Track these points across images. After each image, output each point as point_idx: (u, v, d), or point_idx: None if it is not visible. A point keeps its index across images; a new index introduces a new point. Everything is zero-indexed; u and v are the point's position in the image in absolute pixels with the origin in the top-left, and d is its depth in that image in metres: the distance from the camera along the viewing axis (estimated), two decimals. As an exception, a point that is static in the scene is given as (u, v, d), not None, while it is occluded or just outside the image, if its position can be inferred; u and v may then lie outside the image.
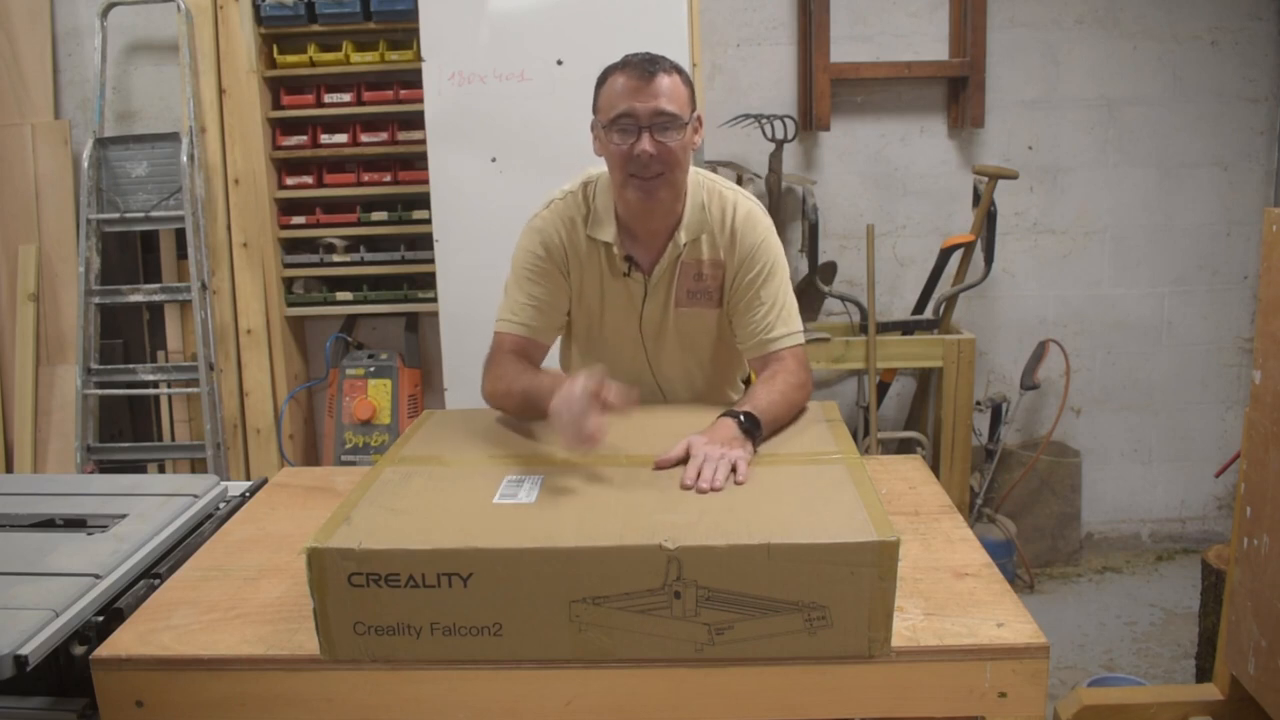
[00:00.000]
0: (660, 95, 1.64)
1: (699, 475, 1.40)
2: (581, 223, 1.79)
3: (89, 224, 3.24)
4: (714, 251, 1.80)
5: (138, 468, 3.38)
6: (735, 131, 3.35)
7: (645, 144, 1.64)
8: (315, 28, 3.23)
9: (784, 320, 1.79)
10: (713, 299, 1.83)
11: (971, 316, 3.58)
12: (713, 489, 1.38)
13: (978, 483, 3.44)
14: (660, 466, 1.47)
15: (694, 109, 1.71)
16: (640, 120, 1.64)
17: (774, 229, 1.83)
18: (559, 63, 2.82)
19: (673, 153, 1.67)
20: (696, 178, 1.80)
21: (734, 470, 1.43)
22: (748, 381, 2.07)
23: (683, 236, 1.77)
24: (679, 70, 1.70)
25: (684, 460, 1.47)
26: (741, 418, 1.56)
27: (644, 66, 1.65)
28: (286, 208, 3.36)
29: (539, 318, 1.82)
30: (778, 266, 1.81)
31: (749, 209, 1.81)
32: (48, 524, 1.65)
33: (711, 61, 3.44)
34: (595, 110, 1.72)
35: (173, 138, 3.26)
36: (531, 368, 1.78)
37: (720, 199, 1.80)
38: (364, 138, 3.28)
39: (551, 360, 1.99)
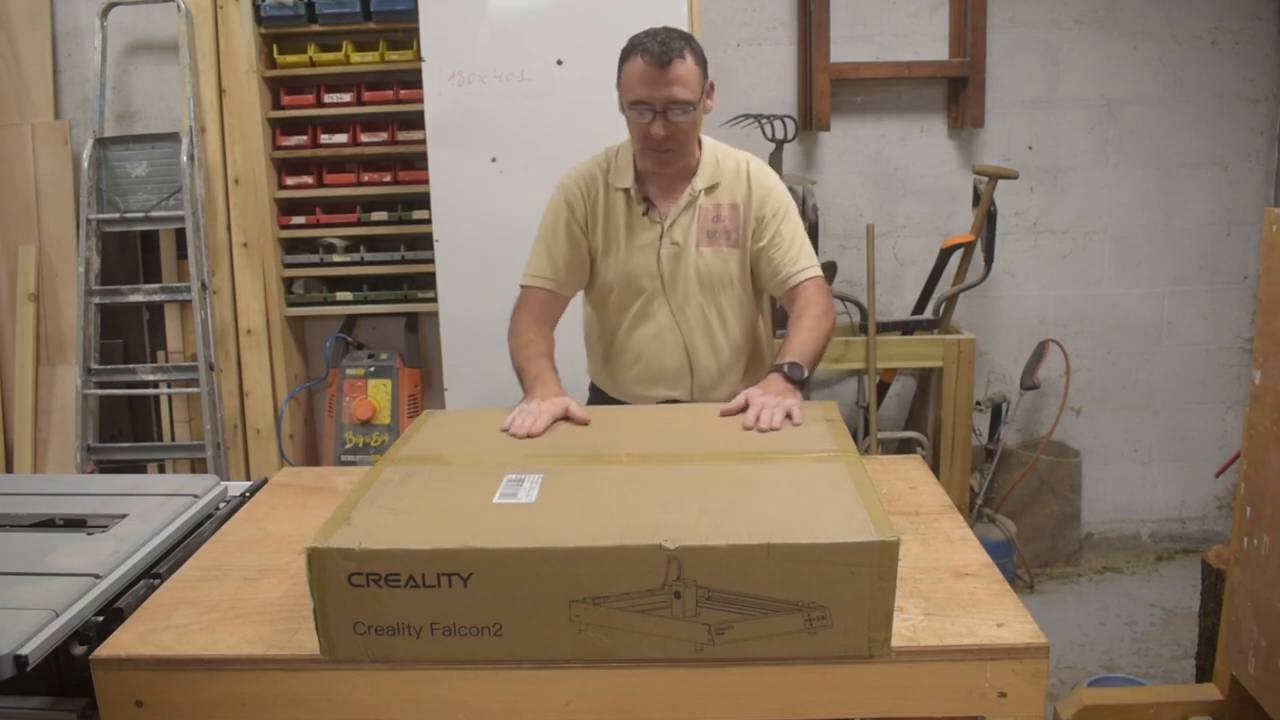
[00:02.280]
0: (674, 84, 1.82)
1: (758, 419, 1.62)
2: (602, 175, 2.02)
3: (89, 224, 3.24)
4: (731, 196, 2.00)
5: (138, 468, 3.38)
6: (735, 131, 3.35)
7: (659, 127, 1.85)
8: (315, 28, 3.23)
9: (805, 254, 2.00)
10: (732, 238, 2.01)
11: (971, 316, 3.58)
12: (771, 428, 1.60)
13: (978, 483, 3.44)
14: (725, 414, 1.70)
15: (705, 81, 1.90)
16: (655, 107, 1.84)
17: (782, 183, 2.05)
18: (559, 63, 2.82)
19: (684, 129, 1.88)
20: (711, 140, 2.03)
21: (789, 416, 1.64)
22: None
23: (698, 184, 1.98)
24: (692, 50, 1.87)
25: (744, 409, 1.69)
26: (786, 368, 1.78)
27: (660, 55, 1.81)
28: (286, 208, 3.36)
29: (560, 271, 2.03)
30: (791, 210, 2.02)
31: (760, 163, 2.04)
32: (48, 524, 1.65)
33: (711, 61, 3.41)
34: (618, 83, 1.90)
35: (173, 138, 3.26)
36: (538, 340, 1.96)
37: (733, 157, 2.03)
38: (364, 138, 3.28)
39: (574, 314, 2.15)
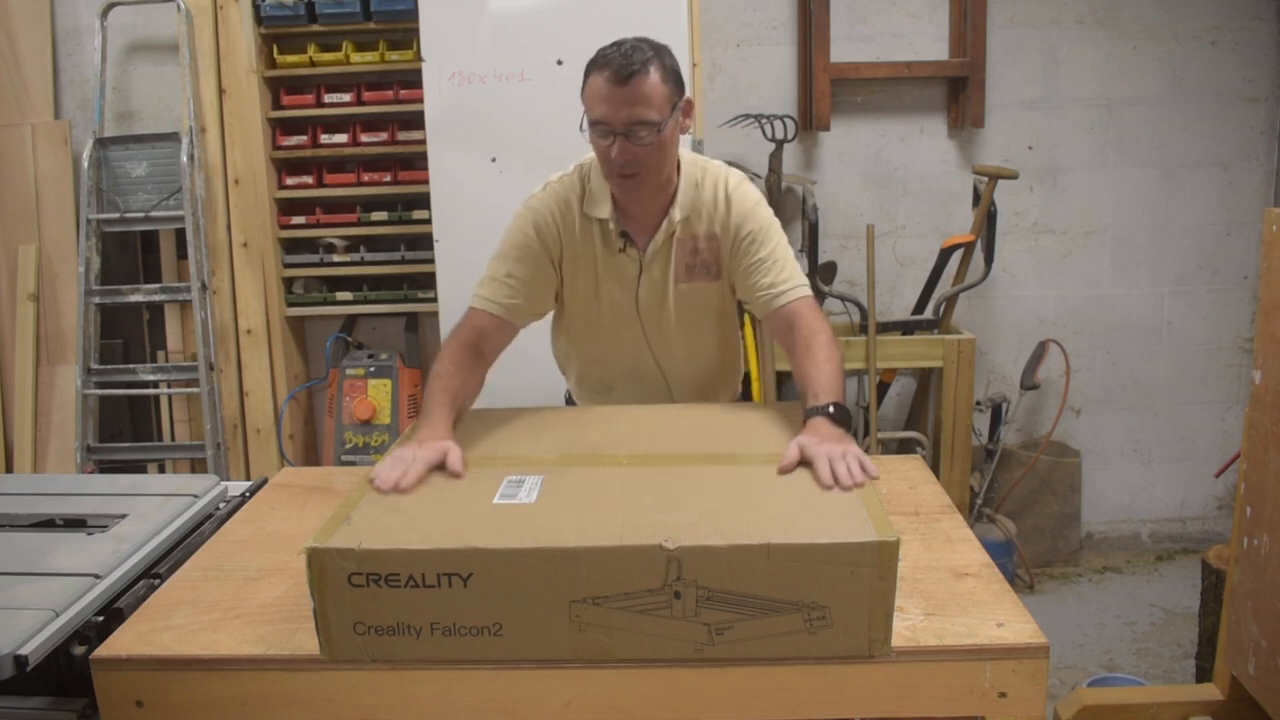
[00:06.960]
0: (635, 103, 1.65)
1: (835, 476, 1.40)
2: (577, 202, 1.83)
3: (89, 224, 3.24)
4: (710, 225, 1.83)
5: (138, 468, 3.38)
6: (735, 131, 3.35)
7: (618, 150, 1.68)
8: (315, 28, 3.23)
9: (789, 275, 1.81)
10: (711, 272, 1.86)
11: (971, 316, 3.58)
12: (856, 484, 1.38)
13: (978, 483, 3.44)
14: (783, 471, 1.45)
15: (677, 99, 1.72)
16: (615, 128, 1.67)
17: (765, 201, 1.87)
18: (559, 63, 2.81)
19: (649, 153, 1.70)
20: (690, 158, 1.84)
21: (863, 467, 1.44)
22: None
23: (677, 214, 1.81)
24: (659, 63, 1.68)
25: (800, 463, 1.46)
26: (832, 410, 1.58)
27: (620, 70, 1.64)
28: (286, 208, 3.36)
29: (514, 297, 1.82)
30: (773, 228, 1.84)
31: (739, 179, 1.86)
32: (48, 524, 1.65)
33: (711, 61, 3.44)
34: (582, 96, 1.74)
35: (173, 138, 3.26)
36: (455, 374, 1.73)
37: (713, 176, 1.85)
38: (364, 138, 3.28)
39: (543, 346, 2.03)
